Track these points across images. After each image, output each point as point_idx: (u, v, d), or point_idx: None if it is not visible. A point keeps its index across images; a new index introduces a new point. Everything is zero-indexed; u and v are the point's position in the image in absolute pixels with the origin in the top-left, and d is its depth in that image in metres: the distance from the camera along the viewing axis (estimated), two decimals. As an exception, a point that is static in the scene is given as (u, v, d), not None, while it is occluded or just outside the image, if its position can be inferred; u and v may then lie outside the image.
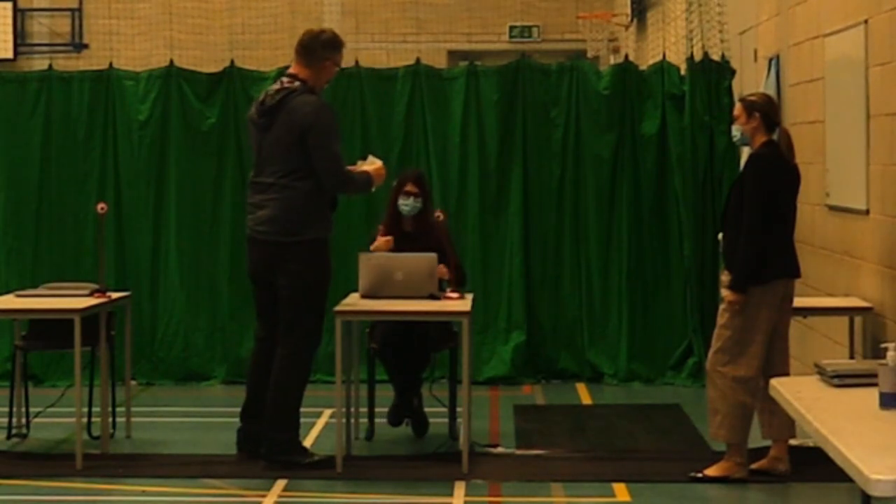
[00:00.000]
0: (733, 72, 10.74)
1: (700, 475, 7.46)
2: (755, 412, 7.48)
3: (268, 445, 7.75)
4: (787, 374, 7.34)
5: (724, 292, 7.46)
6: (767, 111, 7.50)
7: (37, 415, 8.73)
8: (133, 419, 8.72)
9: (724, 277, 7.55)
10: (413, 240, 8.48)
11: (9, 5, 20.00)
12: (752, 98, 7.66)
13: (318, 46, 7.88)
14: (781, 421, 7.32)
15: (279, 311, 7.80)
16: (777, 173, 7.40)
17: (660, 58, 11.22)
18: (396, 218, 8.64)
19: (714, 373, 7.47)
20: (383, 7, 20.03)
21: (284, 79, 7.89)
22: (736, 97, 10.27)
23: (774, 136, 7.51)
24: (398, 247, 8.41)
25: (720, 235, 7.71)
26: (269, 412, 7.76)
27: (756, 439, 7.58)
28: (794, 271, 7.52)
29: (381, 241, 8.52)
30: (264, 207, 7.79)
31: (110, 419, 8.40)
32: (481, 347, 10.69)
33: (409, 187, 8.59)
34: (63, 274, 10.27)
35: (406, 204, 8.56)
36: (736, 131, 7.59)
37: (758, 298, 7.35)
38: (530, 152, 10.86)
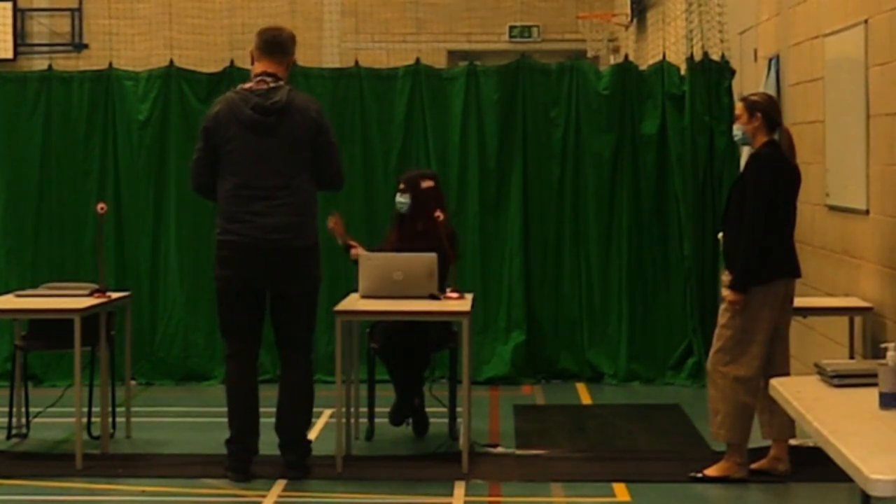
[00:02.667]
0: (733, 72, 10.73)
1: (700, 475, 7.46)
2: (755, 412, 7.48)
3: (303, 451, 7.69)
4: (787, 374, 7.34)
5: (725, 292, 7.46)
6: (769, 111, 7.50)
7: (37, 415, 8.73)
8: (133, 419, 8.72)
9: (725, 277, 7.54)
10: (413, 240, 8.46)
11: (9, 5, 20.00)
12: (754, 98, 7.65)
13: (289, 41, 7.73)
14: (781, 421, 7.33)
15: (290, 320, 7.64)
16: (778, 173, 7.39)
17: (660, 58, 11.21)
18: (398, 218, 8.65)
19: (715, 372, 7.47)
20: (383, 7, 20.03)
21: (267, 78, 7.60)
22: (736, 97, 10.27)
23: (775, 136, 7.51)
24: (399, 247, 8.40)
25: (720, 235, 7.71)
26: (301, 422, 7.69)
27: (756, 439, 7.58)
28: (794, 271, 7.52)
29: (332, 220, 8.46)
30: (269, 214, 7.49)
31: (110, 419, 8.40)
32: (481, 347, 10.69)
33: (400, 185, 8.61)
34: (63, 274, 10.28)
35: (398, 202, 8.58)
36: (737, 131, 7.58)
37: (759, 298, 7.35)
38: (530, 152, 10.85)
